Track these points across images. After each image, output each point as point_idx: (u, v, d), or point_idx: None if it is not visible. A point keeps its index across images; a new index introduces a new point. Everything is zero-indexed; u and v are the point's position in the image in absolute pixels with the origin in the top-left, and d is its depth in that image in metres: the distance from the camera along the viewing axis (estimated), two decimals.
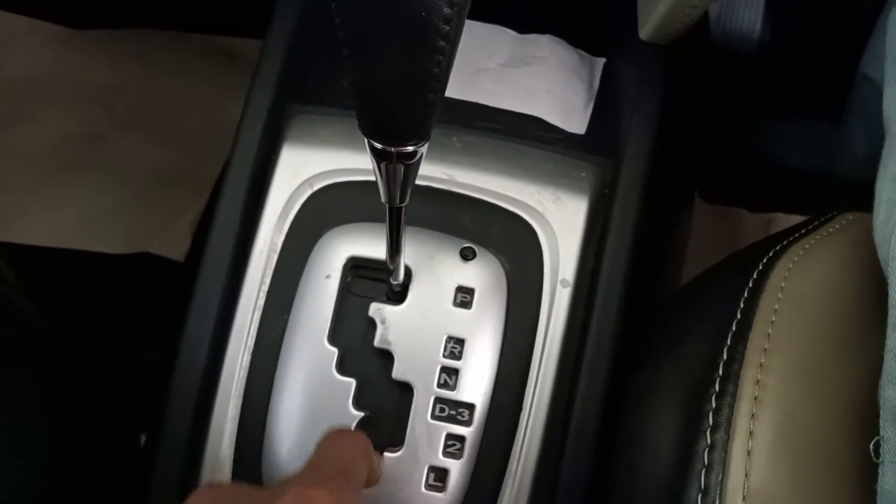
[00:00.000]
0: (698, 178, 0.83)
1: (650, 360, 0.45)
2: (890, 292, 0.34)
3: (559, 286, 0.47)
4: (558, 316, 0.46)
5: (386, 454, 0.45)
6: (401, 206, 0.37)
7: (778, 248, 0.41)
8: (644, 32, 0.49)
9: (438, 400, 0.45)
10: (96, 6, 0.92)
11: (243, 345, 0.47)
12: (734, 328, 0.38)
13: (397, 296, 0.46)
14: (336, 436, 0.39)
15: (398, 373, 0.45)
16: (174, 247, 0.88)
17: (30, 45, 0.93)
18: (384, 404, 0.46)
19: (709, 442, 0.35)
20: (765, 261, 0.40)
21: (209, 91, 0.94)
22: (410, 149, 0.31)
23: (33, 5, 0.91)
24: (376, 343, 0.46)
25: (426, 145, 0.32)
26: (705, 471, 0.35)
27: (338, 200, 0.49)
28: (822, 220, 0.43)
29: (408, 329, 0.46)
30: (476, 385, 0.45)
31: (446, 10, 0.25)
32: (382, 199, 0.36)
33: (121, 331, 0.78)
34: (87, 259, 0.87)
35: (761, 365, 0.36)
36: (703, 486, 0.35)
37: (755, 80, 0.68)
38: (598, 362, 0.46)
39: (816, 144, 0.67)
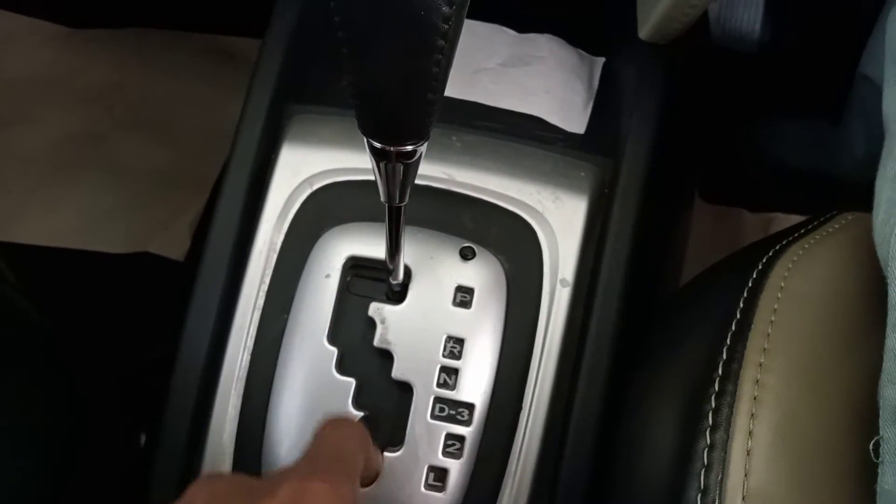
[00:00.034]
0: (698, 178, 0.83)
1: (650, 359, 0.45)
2: (890, 292, 0.34)
3: (559, 286, 0.47)
4: (558, 316, 0.46)
5: (385, 454, 0.45)
6: (400, 205, 0.37)
7: (778, 247, 0.41)
8: (643, 32, 0.49)
9: (438, 400, 0.45)
10: (96, 6, 0.92)
11: (243, 344, 0.47)
12: (734, 328, 0.38)
13: (397, 295, 0.46)
14: (333, 425, 0.39)
15: (398, 372, 0.45)
16: (174, 247, 0.89)
17: (30, 44, 0.93)
18: (384, 404, 0.46)
19: (708, 442, 0.35)
20: (764, 260, 0.40)
21: (209, 91, 0.94)
22: (410, 148, 0.31)
23: (33, 5, 0.91)
24: (376, 343, 0.46)
25: (425, 145, 0.32)
26: (705, 470, 0.35)
27: (337, 200, 0.49)
28: (822, 219, 0.43)
29: (407, 329, 0.46)
30: (476, 385, 0.45)
31: (445, 9, 0.25)
32: (382, 199, 0.36)
33: (121, 331, 0.78)
34: (87, 259, 0.87)
35: (761, 365, 0.36)
36: (702, 486, 0.35)
37: (755, 80, 0.67)
38: (597, 362, 0.46)
39: (816, 144, 0.67)
